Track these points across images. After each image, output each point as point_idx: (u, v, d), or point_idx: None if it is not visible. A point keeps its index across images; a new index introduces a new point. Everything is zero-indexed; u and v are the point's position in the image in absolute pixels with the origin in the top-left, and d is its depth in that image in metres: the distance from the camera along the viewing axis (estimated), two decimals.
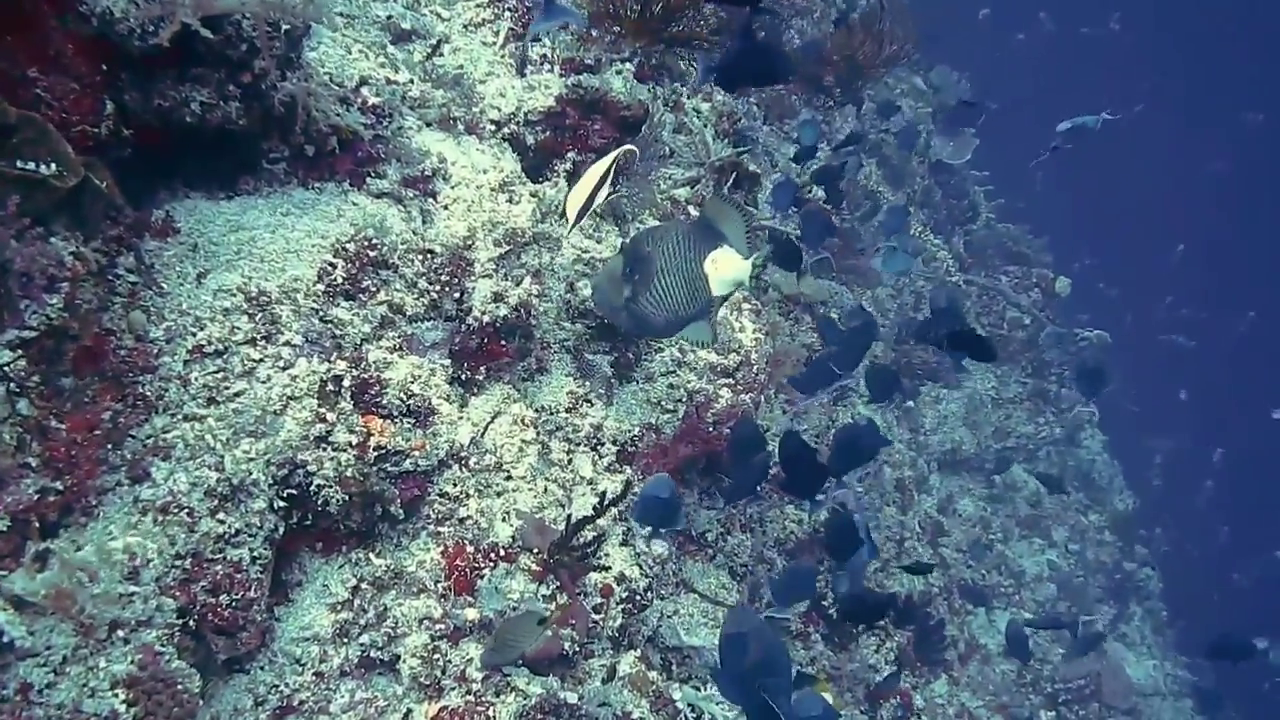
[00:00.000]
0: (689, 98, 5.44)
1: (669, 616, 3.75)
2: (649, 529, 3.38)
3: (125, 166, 2.46)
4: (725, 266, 2.92)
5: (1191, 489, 20.69)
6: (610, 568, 3.22)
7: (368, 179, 3.03)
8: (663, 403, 3.70)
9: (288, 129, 2.81)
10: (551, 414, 3.42)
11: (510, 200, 3.23)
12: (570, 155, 3.83)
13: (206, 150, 2.79)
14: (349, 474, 2.54)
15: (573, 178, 3.72)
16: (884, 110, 8.05)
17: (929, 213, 10.93)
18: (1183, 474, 19.42)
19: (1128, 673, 9.82)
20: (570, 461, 3.39)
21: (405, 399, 2.74)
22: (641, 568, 3.38)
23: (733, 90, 4.98)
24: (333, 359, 2.61)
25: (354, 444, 2.56)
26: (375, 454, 2.61)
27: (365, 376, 2.67)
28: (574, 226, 2.91)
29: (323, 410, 2.54)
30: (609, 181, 2.87)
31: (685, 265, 2.95)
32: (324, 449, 2.52)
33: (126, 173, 2.44)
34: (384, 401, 2.70)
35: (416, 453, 2.70)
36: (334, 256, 2.78)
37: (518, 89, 3.72)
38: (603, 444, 3.49)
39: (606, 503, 2.96)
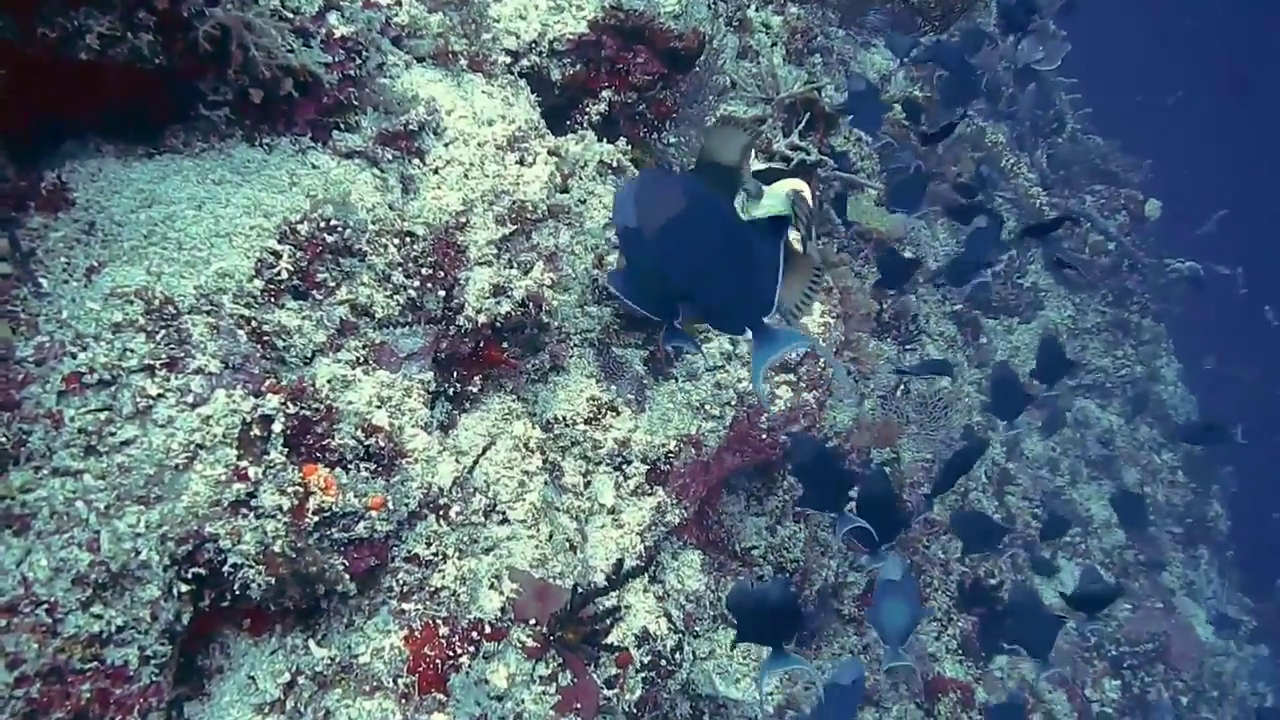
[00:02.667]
0: (758, 9, 4.63)
1: (703, 659, 3.13)
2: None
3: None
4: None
5: (1274, 424, 19.49)
6: (625, 616, 2.59)
7: (334, 133, 2.33)
8: (707, 406, 3.02)
9: (222, 71, 2.12)
10: (567, 426, 2.76)
11: (522, 161, 2.52)
12: (605, 94, 3.09)
13: (125, 94, 2.13)
14: (276, 549, 1.91)
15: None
16: (971, 40, 7.13)
17: (1012, 125, 10.04)
18: (1263, 407, 18.33)
19: (1197, 632, 9.27)
20: (588, 486, 2.74)
21: (364, 436, 2.09)
22: (670, 619, 2.75)
23: None
24: (263, 389, 1.95)
25: (285, 508, 1.92)
26: (316, 519, 1.97)
27: (310, 409, 2.01)
28: None
29: (244, 463, 1.89)
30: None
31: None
32: (243, 517, 1.88)
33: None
34: (334, 443, 2.04)
35: (374, 513, 2.05)
36: (279, 242, 2.11)
37: (542, 9, 2.97)
38: (630, 462, 2.83)
39: (623, 574, 2.31)
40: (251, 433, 1.91)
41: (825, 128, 3.90)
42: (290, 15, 2.18)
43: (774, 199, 2.16)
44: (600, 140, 3.03)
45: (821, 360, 2.47)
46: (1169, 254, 11.31)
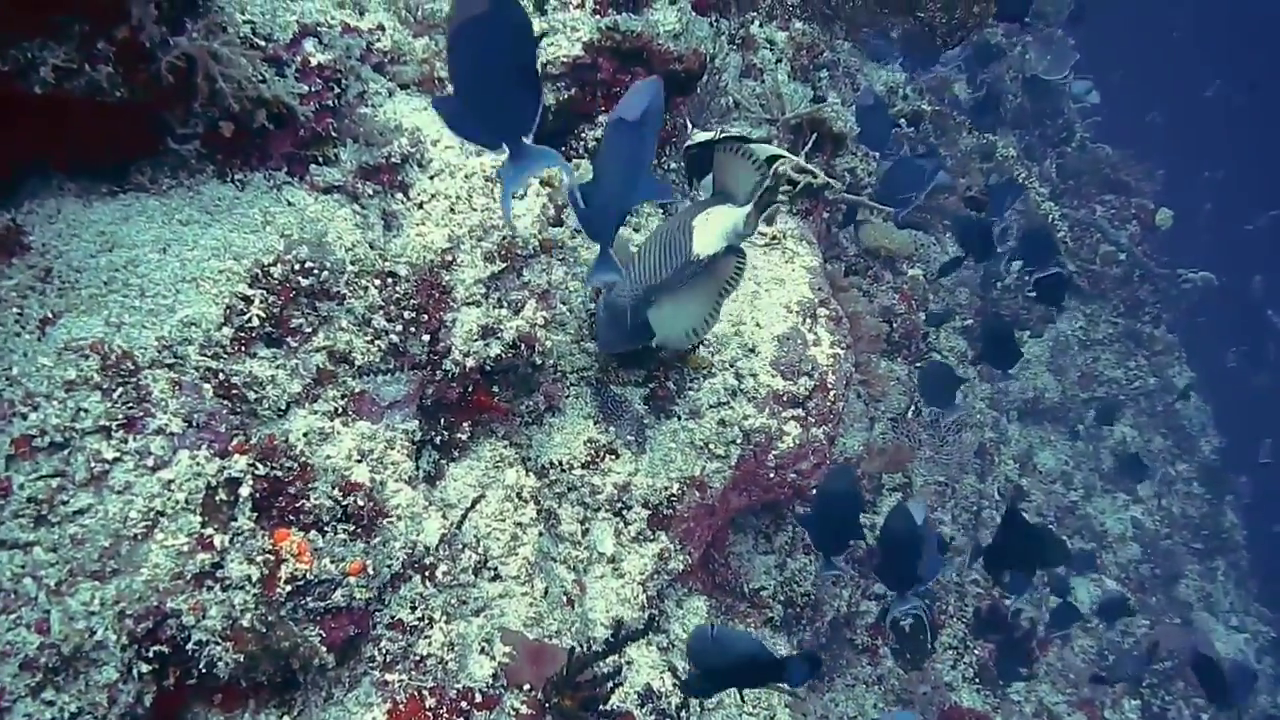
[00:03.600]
0: (761, 25, 4.49)
1: (710, 709, 2.97)
2: None
3: None
4: (715, 220, 2.25)
5: None
6: (627, 673, 2.44)
7: (312, 167, 2.19)
8: (711, 445, 2.86)
9: (190, 104, 1.98)
10: (563, 471, 2.61)
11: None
12: (601, 118, 2.94)
13: (91, 129, 2.00)
14: (245, 623, 1.76)
15: None
16: (982, 55, 6.99)
17: (1020, 134, 9.91)
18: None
19: (1216, 648, 9.10)
20: (586, 534, 2.59)
21: (342, 496, 1.94)
22: (675, 673, 2.60)
23: None
24: (230, 449, 1.81)
25: (255, 579, 1.77)
26: (288, 588, 1.82)
27: (282, 468, 1.87)
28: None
29: (209, 531, 1.74)
30: None
31: (670, 227, 2.48)
32: (208, 590, 1.74)
33: None
34: (309, 504, 1.89)
35: (353, 579, 1.90)
36: (250, 286, 1.97)
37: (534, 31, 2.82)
38: (630, 507, 2.68)
39: (623, 636, 2.15)
40: (217, 497, 1.77)
41: (833, 149, 3.75)
42: (262, 43, 2.04)
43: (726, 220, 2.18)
44: None
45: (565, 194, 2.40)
46: (1182, 264, 11.15)
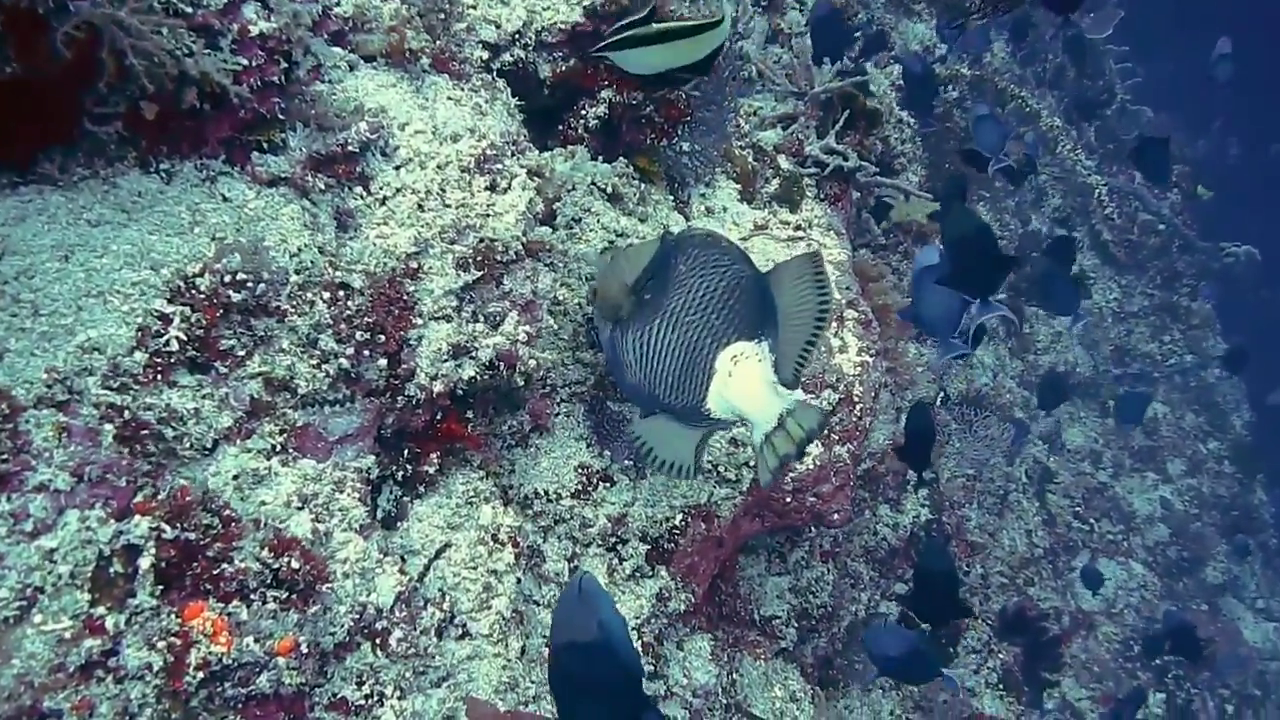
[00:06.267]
0: None
1: None
2: None
3: None
4: (741, 381, 1.81)
5: None
6: None
7: (254, 154, 1.86)
8: (720, 468, 2.54)
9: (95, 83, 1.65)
10: (550, 502, 2.30)
11: (493, 187, 2.03)
12: (605, 94, 2.58)
13: None
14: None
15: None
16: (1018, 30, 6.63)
17: (1058, 95, 9.46)
18: None
19: (1244, 635, 8.82)
20: (575, 572, 2.28)
21: (273, 556, 1.62)
22: None
23: None
24: (131, 507, 1.50)
25: (157, 667, 1.46)
26: (200, 675, 1.51)
27: (197, 526, 1.55)
28: None
29: (99, 610, 1.44)
30: None
31: (696, 331, 1.88)
32: (97, 682, 1.43)
33: None
34: (231, 569, 1.58)
35: (282, 659, 1.59)
36: (170, 302, 1.64)
37: None
38: (626, 541, 2.37)
39: None
40: (112, 569, 1.46)
41: (866, 126, 3.38)
42: (188, 9, 1.70)
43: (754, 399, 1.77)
44: (595, 158, 2.54)
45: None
46: (1225, 236, 10.74)
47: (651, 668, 2.37)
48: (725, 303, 1.86)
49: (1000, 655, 5.61)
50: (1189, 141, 10.72)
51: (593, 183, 2.45)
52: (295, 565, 1.65)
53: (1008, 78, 7.70)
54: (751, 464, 2.58)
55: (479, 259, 1.95)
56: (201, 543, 1.56)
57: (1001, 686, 5.57)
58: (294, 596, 1.65)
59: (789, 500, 2.70)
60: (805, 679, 3.75)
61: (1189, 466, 9.55)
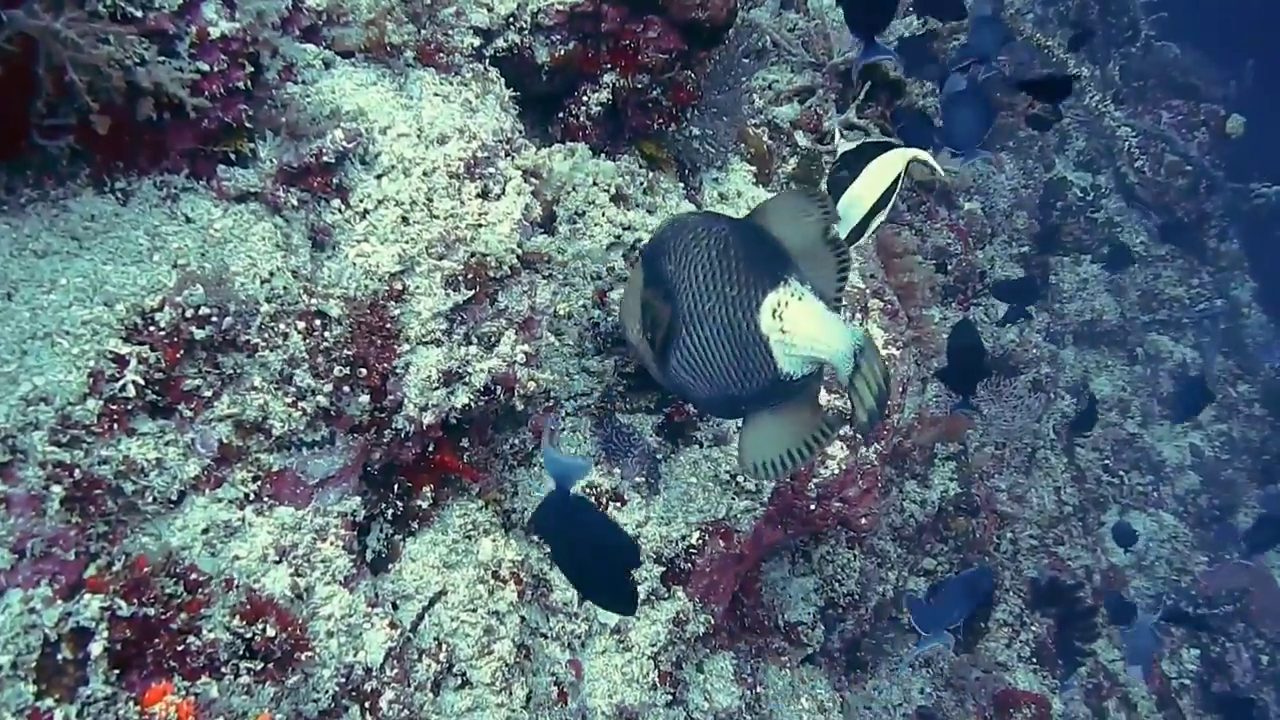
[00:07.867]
0: None
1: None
2: None
3: None
4: (796, 326, 1.65)
5: None
6: None
7: (220, 167, 1.69)
8: (740, 479, 2.37)
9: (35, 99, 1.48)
10: None
11: (485, 194, 1.86)
12: (608, 78, 2.38)
13: None
14: None
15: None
16: None
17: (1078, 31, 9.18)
18: None
19: (1278, 584, 8.68)
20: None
21: (246, 623, 1.47)
22: None
23: None
24: (81, 582, 1.35)
25: None
26: None
27: (158, 599, 1.40)
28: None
29: (47, 703, 1.29)
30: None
31: (726, 310, 1.73)
32: None
33: None
34: (198, 642, 1.43)
35: None
36: (126, 341, 1.48)
37: None
38: (640, 564, 2.21)
39: None
40: (59, 656, 1.31)
41: (889, 97, 3.17)
42: (137, 13, 1.51)
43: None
44: (598, 153, 2.35)
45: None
46: (1256, 176, 10.42)
47: (670, 696, 2.22)
48: (726, 268, 1.71)
49: (1034, 628, 5.46)
50: (1219, 80, 10.34)
51: (594, 183, 2.26)
52: (271, 632, 1.50)
53: (1029, 20, 7.45)
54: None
55: (470, 275, 1.78)
56: (163, 616, 1.41)
57: (1035, 660, 5.41)
58: (270, 666, 1.50)
59: (813, 507, 2.53)
60: (831, 671, 3.63)
61: (1219, 411, 9.32)
